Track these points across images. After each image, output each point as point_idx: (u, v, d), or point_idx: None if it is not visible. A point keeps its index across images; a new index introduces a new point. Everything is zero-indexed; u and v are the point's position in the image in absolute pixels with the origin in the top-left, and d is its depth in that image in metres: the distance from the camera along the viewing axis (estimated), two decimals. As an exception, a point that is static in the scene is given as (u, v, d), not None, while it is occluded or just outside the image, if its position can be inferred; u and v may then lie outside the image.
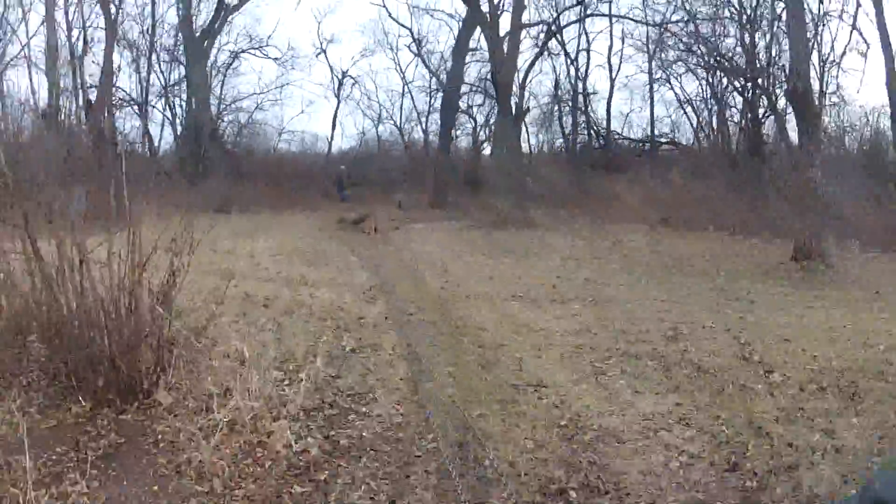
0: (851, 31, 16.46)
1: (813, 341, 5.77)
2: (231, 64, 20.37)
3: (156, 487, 3.07)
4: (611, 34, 21.82)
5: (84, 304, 3.69)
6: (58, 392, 3.79)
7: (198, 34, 19.00)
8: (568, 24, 20.52)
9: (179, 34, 19.23)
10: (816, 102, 13.89)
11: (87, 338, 3.66)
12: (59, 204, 4.21)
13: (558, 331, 6.06)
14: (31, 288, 3.88)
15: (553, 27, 19.65)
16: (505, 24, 18.79)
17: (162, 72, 20.67)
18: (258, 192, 17.11)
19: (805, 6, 13.64)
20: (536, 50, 20.59)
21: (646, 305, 7.23)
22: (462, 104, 21.78)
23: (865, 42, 15.98)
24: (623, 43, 21.89)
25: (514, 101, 19.23)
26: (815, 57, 16.38)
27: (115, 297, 3.68)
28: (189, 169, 16.77)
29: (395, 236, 13.76)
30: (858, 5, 15.85)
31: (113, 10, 17.50)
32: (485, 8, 18.57)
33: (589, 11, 20.44)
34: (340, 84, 22.57)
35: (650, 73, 21.84)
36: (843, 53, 16.90)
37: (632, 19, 20.35)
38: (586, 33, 21.64)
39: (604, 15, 20.76)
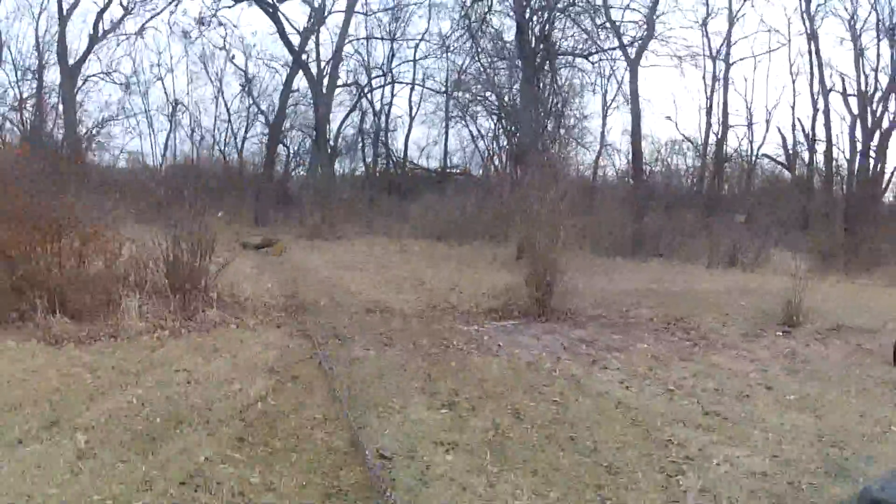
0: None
1: (488, 281, 13.28)
2: (81, 86, 25.47)
3: (233, 311, 9.52)
4: (413, 69, 29.49)
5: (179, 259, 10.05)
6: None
7: (72, 62, 24.25)
8: (378, 88, 28.14)
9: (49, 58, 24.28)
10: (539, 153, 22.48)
11: (181, 274, 10.02)
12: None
13: (360, 279, 13.14)
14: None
15: (364, 90, 27.27)
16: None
17: (18, 87, 25.47)
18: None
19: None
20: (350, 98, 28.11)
21: (410, 273, 14.43)
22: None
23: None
24: (423, 84, 29.62)
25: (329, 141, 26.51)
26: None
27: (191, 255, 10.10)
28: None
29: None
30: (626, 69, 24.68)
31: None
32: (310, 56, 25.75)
33: (394, 79, 28.32)
34: (174, 109, 28.25)
35: (447, 111, 29.55)
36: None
37: (431, 89, 28.31)
38: (393, 81, 29.30)
39: (406, 83, 28.62)
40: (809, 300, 10.47)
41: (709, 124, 25.65)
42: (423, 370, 6.79)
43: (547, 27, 21.72)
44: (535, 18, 21.29)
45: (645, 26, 23.14)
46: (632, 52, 23.34)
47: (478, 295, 11.48)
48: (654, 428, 5.39)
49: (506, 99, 25.39)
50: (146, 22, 26.13)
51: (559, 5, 21.18)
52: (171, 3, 25.80)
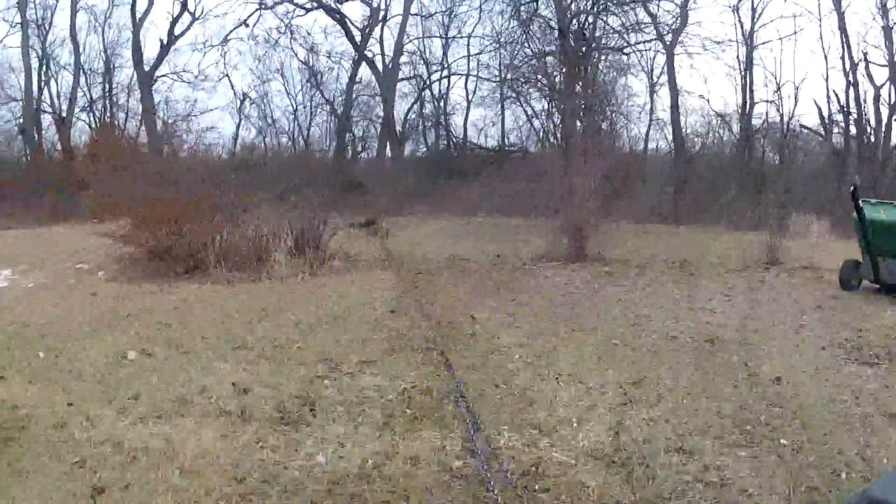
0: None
1: (540, 241, 17.13)
2: (153, 84, 29.66)
3: (349, 263, 13.58)
4: (468, 61, 33.24)
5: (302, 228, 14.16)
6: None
7: (147, 68, 28.66)
8: (438, 80, 32.17)
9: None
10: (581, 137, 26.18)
11: (305, 238, 14.12)
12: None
13: (435, 242, 17.12)
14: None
15: (426, 82, 31.35)
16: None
17: (89, 88, 29.86)
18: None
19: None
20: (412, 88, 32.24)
21: (476, 238, 18.42)
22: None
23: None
24: (478, 75, 33.26)
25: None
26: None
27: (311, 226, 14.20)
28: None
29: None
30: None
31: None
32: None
33: (451, 72, 32.28)
34: (241, 103, 32.49)
35: (502, 92, 32.75)
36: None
37: (485, 78, 31.97)
38: (449, 68, 33.17)
39: (462, 74, 32.49)
40: (809, 254, 14.01)
41: (744, 100, 28.80)
42: (492, 287, 10.79)
43: (587, 25, 25.32)
44: (574, 21, 24.87)
45: (678, 19, 26.59)
46: (668, 39, 26.79)
47: (532, 250, 15.30)
48: (632, 307, 9.30)
49: (556, 80, 28.48)
50: (229, 33, 30.20)
51: (599, 5, 24.75)
52: (253, 13, 29.84)
